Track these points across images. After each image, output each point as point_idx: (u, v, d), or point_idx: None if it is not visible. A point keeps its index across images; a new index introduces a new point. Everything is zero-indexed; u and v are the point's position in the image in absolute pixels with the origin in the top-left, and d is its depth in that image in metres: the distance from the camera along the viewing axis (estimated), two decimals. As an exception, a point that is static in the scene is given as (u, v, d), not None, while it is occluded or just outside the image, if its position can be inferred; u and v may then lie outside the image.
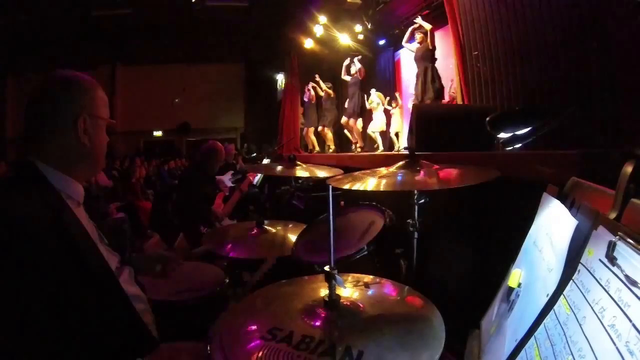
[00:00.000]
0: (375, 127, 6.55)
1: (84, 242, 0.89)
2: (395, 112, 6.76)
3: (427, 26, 4.88)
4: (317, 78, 7.58)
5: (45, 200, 0.86)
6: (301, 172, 1.75)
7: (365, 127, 6.75)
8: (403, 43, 5.37)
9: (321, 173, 1.71)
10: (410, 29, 5.30)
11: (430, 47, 4.74)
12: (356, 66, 6.23)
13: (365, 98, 6.57)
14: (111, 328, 0.88)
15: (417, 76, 4.86)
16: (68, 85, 0.95)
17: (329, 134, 7.40)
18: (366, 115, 6.77)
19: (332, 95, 7.36)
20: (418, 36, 4.90)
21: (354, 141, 6.48)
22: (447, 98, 5.23)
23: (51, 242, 0.80)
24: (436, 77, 4.69)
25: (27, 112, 0.94)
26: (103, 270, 0.91)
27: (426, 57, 4.76)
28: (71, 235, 0.85)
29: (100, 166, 1.07)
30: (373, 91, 6.62)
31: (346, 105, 6.67)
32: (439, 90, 4.65)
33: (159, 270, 1.30)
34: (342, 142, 8.00)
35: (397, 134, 6.71)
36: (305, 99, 7.87)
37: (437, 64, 4.86)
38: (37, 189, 0.87)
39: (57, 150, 0.93)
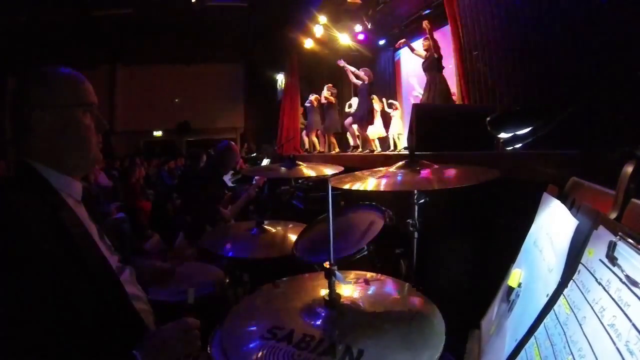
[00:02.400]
0: (375, 131, 6.53)
1: (83, 240, 0.88)
2: (395, 115, 6.76)
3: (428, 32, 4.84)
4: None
5: (42, 198, 0.86)
6: (305, 170, 1.74)
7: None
8: (413, 52, 5.24)
9: (327, 170, 1.71)
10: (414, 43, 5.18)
11: (436, 56, 4.69)
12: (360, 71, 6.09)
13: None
14: (111, 327, 0.87)
15: (426, 85, 4.82)
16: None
17: (332, 138, 7.38)
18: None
19: (333, 102, 7.31)
20: (424, 44, 4.83)
21: (353, 144, 6.37)
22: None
23: (49, 241, 0.80)
24: (443, 87, 4.63)
25: (7, 114, 0.94)
26: (103, 269, 0.90)
27: (433, 67, 4.71)
28: (70, 233, 0.85)
29: (89, 156, 0.98)
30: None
31: (353, 110, 6.61)
32: (445, 99, 4.60)
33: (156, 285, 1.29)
34: (343, 144, 7.99)
35: (398, 136, 6.71)
36: (307, 104, 7.82)
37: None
38: (34, 188, 0.87)
39: (38, 149, 0.92)
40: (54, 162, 0.93)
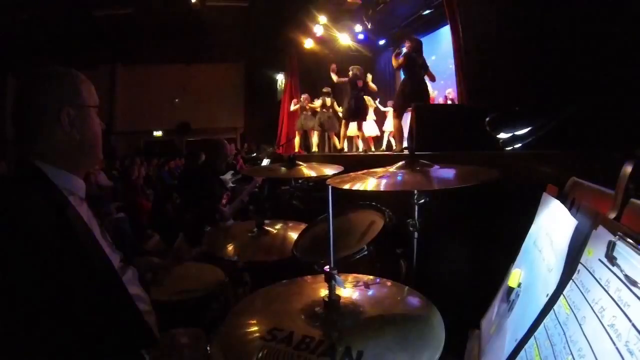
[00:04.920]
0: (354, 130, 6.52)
1: (87, 239, 0.89)
2: (391, 114, 6.77)
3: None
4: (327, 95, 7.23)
5: (47, 198, 0.86)
6: (305, 170, 1.74)
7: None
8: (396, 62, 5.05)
9: (327, 170, 1.71)
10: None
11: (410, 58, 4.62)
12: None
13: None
14: (113, 326, 0.88)
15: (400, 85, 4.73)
16: (44, 80, 0.94)
17: (334, 138, 7.35)
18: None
19: (328, 104, 7.26)
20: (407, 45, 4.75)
21: (364, 147, 6.22)
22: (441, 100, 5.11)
23: (54, 240, 0.81)
24: (415, 88, 4.52)
25: (12, 114, 0.93)
26: (105, 267, 0.91)
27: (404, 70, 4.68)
28: (74, 232, 0.85)
29: (98, 155, 1.04)
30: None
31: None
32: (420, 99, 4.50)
33: (149, 279, 1.28)
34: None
35: (394, 135, 6.70)
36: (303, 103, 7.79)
37: (438, 64, 4.79)
38: (38, 187, 0.88)
39: (51, 147, 0.92)
40: (64, 160, 0.94)
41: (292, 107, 7.79)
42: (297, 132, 7.55)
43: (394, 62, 4.74)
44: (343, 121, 5.98)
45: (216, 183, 2.99)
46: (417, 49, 4.62)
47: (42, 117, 0.92)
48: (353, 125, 6.26)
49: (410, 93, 4.45)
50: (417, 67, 4.59)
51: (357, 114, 5.79)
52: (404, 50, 4.62)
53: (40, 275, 0.77)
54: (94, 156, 1.03)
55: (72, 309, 0.79)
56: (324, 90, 7.07)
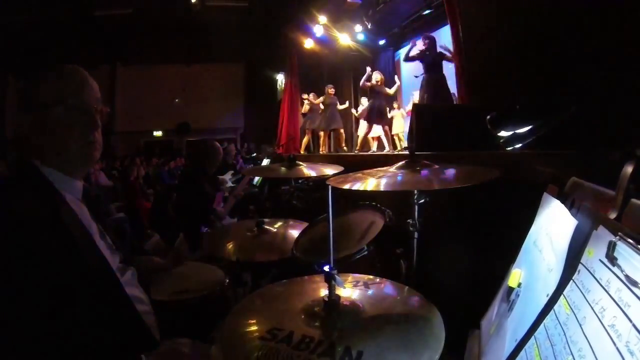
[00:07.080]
0: (362, 131, 6.52)
1: (83, 238, 0.88)
2: (397, 115, 6.76)
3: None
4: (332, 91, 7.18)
5: (42, 197, 0.85)
6: (305, 170, 1.75)
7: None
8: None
9: (327, 170, 1.71)
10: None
11: (431, 55, 4.68)
12: (375, 77, 5.84)
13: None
14: (111, 327, 0.87)
15: (422, 83, 4.77)
16: (45, 78, 0.93)
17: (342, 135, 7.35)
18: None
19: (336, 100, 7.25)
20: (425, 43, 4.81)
21: (390, 148, 6.12)
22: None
23: (48, 239, 0.80)
24: (439, 88, 4.58)
25: (13, 113, 0.94)
26: (102, 267, 0.90)
27: (424, 67, 4.72)
28: (69, 232, 0.84)
29: (71, 156, 0.96)
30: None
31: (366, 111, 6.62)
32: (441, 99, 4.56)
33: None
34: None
35: (398, 136, 6.70)
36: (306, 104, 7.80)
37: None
38: (34, 186, 0.87)
39: (49, 146, 0.91)
40: (58, 161, 0.92)
41: (303, 109, 7.77)
42: (306, 132, 7.55)
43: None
44: (365, 123, 5.94)
45: (207, 183, 2.99)
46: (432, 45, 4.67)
47: (41, 115, 0.91)
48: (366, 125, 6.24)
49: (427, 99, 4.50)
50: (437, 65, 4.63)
51: (382, 115, 5.80)
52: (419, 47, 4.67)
53: (29, 275, 0.75)
54: (65, 158, 0.98)
55: (67, 310, 0.78)
56: (329, 89, 7.07)
